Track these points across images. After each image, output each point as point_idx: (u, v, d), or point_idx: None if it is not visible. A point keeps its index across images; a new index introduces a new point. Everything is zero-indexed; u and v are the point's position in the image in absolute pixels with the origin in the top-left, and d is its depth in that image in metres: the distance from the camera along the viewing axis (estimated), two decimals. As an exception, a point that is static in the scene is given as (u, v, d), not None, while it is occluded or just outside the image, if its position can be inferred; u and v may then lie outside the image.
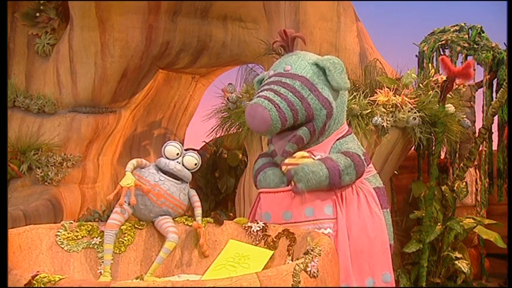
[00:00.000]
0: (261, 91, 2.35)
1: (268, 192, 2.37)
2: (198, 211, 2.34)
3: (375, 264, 2.30)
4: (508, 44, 3.70)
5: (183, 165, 2.32)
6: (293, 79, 2.34)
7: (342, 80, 2.39)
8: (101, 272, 2.13)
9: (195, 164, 2.35)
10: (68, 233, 2.17)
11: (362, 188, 2.39)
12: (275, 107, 2.25)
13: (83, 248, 2.17)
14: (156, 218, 2.28)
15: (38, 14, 4.43)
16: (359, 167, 2.33)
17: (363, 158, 2.38)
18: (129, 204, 2.20)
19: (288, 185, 2.35)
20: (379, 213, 2.39)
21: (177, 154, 2.31)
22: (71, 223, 2.22)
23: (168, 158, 2.31)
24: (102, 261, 2.14)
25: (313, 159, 2.33)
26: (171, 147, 2.32)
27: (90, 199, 4.37)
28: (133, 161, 2.27)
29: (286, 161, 2.35)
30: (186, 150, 2.39)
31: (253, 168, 2.58)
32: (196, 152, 2.40)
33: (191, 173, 2.36)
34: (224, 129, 4.02)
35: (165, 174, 2.28)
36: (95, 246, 2.18)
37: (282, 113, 2.26)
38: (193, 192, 2.37)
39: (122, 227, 2.26)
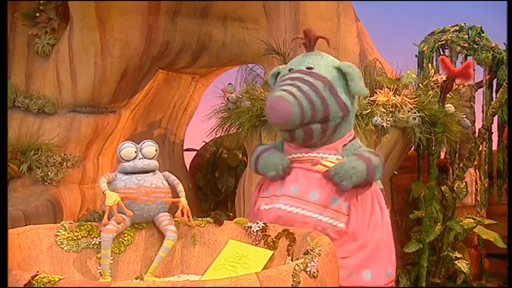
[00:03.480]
0: (283, 85, 2.34)
1: (302, 168, 2.37)
2: (180, 187, 2.31)
3: (380, 259, 2.32)
4: (508, 44, 3.70)
5: (145, 158, 2.29)
6: (316, 79, 2.35)
7: (361, 87, 2.43)
8: (100, 273, 2.12)
9: (156, 151, 2.33)
10: (68, 233, 2.16)
11: (373, 190, 2.43)
12: (298, 103, 2.27)
13: (82, 248, 2.16)
14: (156, 215, 2.27)
15: (37, 14, 4.43)
16: (382, 167, 2.39)
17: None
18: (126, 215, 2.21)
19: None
20: (387, 213, 2.43)
21: (135, 152, 2.30)
22: (71, 223, 2.22)
23: (129, 160, 2.28)
24: (101, 261, 2.13)
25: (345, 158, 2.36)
26: (128, 149, 2.28)
27: (90, 199, 4.37)
28: (104, 179, 2.25)
29: (323, 162, 2.36)
30: (136, 143, 2.35)
31: (253, 156, 2.58)
32: (150, 140, 2.36)
33: (156, 160, 2.33)
34: (224, 129, 4.01)
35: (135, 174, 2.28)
36: (95, 247, 2.17)
37: (303, 110, 2.28)
38: (166, 174, 2.36)
39: (122, 227, 2.25)
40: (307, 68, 2.40)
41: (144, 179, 2.25)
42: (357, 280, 2.26)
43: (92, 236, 2.19)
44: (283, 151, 2.52)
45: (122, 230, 2.22)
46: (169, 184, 2.35)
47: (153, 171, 2.30)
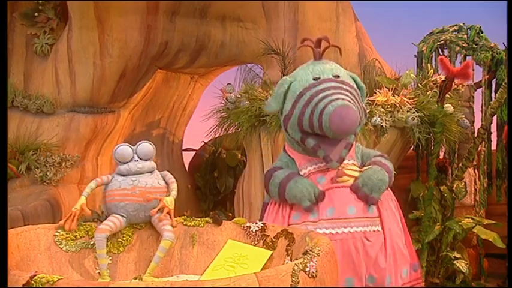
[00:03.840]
0: (335, 93, 2.30)
1: (331, 188, 2.40)
2: (172, 186, 2.31)
3: (409, 255, 2.45)
4: (508, 44, 3.69)
5: (140, 159, 2.29)
6: (350, 87, 2.39)
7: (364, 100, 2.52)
8: (99, 273, 2.13)
9: (152, 152, 2.33)
10: (67, 233, 2.17)
11: (389, 193, 2.53)
12: (358, 111, 2.32)
13: (81, 248, 2.17)
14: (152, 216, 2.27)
15: (36, 14, 4.42)
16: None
17: None
18: (121, 216, 2.21)
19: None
20: (398, 206, 2.54)
21: (131, 154, 2.29)
22: (70, 223, 2.22)
23: (124, 162, 2.28)
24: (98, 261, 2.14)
25: (366, 168, 2.42)
26: (122, 151, 2.29)
27: (89, 199, 4.26)
28: (92, 184, 2.27)
29: (347, 172, 2.42)
30: (132, 145, 2.35)
31: (271, 180, 2.53)
32: (147, 141, 2.36)
33: (152, 160, 2.34)
34: (223, 129, 4.02)
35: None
36: (94, 247, 2.17)
37: (360, 118, 2.36)
38: (164, 173, 2.36)
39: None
40: (334, 76, 2.40)
41: (139, 179, 2.25)
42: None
43: (91, 236, 2.19)
44: (295, 165, 2.51)
45: (117, 230, 2.22)
46: (166, 183, 2.35)
47: (149, 172, 2.30)
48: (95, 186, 2.30)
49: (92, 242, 2.18)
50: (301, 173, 2.49)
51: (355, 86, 2.43)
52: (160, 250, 2.19)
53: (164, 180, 2.34)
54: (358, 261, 2.26)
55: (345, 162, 2.45)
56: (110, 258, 2.18)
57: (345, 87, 2.36)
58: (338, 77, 2.40)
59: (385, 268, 2.31)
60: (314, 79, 2.40)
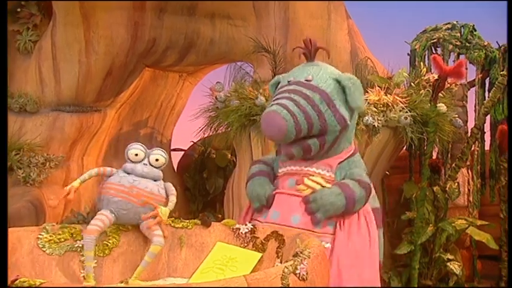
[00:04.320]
0: (279, 98, 2.37)
1: (283, 193, 2.43)
2: (171, 198, 2.31)
3: (364, 279, 2.35)
4: (508, 44, 3.73)
5: (150, 165, 2.30)
6: (313, 91, 2.37)
7: (360, 101, 2.46)
8: (84, 276, 2.11)
9: (163, 162, 2.34)
10: (50, 236, 2.15)
11: (363, 209, 2.45)
12: (293, 118, 2.29)
13: (65, 251, 2.15)
14: (141, 220, 2.26)
15: (19, 10, 4.38)
16: (367, 197, 2.42)
17: (371, 185, 2.46)
18: (111, 211, 2.20)
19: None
20: (374, 233, 2.45)
21: (143, 156, 2.30)
22: (53, 225, 2.20)
23: (133, 161, 2.29)
24: (84, 263, 2.12)
25: (329, 187, 2.37)
26: (135, 150, 2.30)
27: (74, 201, 4.30)
28: (92, 172, 2.29)
29: (305, 182, 2.40)
30: (150, 149, 2.36)
31: (247, 174, 2.64)
32: (162, 150, 2.38)
33: (160, 170, 2.34)
34: (212, 128, 4.02)
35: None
36: (78, 250, 2.16)
37: (298, 125, 2.30)
38: (169, 184, 2.36)
39: (107, 230, 2.24)
40: (306, 80, 2.41)
41: (139, 181, 2.25)
42: None
43: (76, 239, 2.18)
44: (277, 163, 2.55)
45: (106, 228, 2.21)
46: (166, 194, 2.35)
47: (154, 179, 2.30)
48: (95, 174, 2.31)
49: (76, 245, 2.17)
50: (280, 170, 2.53)
51: (329, 89, 2.39)
52: (149, 255, 2.18)
53: (166, 190, 2.34)
54: None
55: (313, 170, 2.43)
56: (95, 261, 2.16)
57: (304, 91, 2.35)
58: (310, 80, 2.41)
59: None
60: (288, 81, 2.47)
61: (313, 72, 2.45)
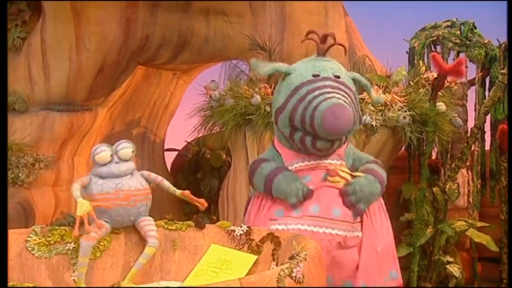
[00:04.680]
0: (331, 92, 2.31)
1: (323, 186, 2.40)
2: (166, 183, 2.30)
3: (391, 261, 2.46)
4: (509, 44, 3.74)
5: (122, 160, 2.25)
6: (349, 89, 2.39)
7: (378, 96, 2.58)
8: (74, 280, 2.10)
9: (132, 152, 2.30)
10: (39, 238, 2.13)
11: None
12: (353, 112, 2.31)
13: (55, 254, 2.13)
14: (137, 219, 2.25)
15: (7, 6, 4.36)
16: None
17: None
18: (105, 221, 2.17)
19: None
20: (387, 214, 2.52)
21: (111, 155, 2.28)
22: (43, 228, 2.19)
23: (103, 164, 2.23)
24: (76, 268, 2.11)
25: (363, 176, 2.41)
26: (103, 154, 2.23)
27: (65, 202, 4.32)
28: (77, 185, 2.19)
29: (340, 173, 2.41)
30: (112, 144, 2.31)
31: (257, 171, 2.53)
32: (126, 141, 2.32)
33: (132, 161, 2.31)
34: (207, 128, 4.02)
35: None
36: (69, 252, 2.14)
37: (354, 120, 2.34)
38: (145, 173, 2.33)
39: (97, 232, 2.23)
40: (334, 76, 2.40)
41: (122, 182, 2.21)
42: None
43: (66, 242, 2.16)
44: (281, 161, 2.52)
45: (102, 237, 2.20)
46: (149, 184, 2.33)
47: (130, 174, 2.28)
48: (81, 185, 2.22)
49: (66, 247, 2.15)
50: (289, 168, 2.51)
51: (354, 89, 2.44)
52: (144, 257, 2.17)
53: (147, 180, 2.32)
54: (334, 263, 2.28)
55: (328, 161, 2.45)
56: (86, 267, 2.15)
57: (343, 88, 2.36)
58: (338, 77, 2.40)
59: (361, 274, 2.32)
60: (313, 75, 2.40)
61: (337, 69, 2.44)
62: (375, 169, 2.44)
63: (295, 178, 2.43)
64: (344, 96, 2.32)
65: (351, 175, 2.42)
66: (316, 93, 2.32)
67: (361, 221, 2.37)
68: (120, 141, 2.31)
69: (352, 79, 2.47)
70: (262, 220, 2.48)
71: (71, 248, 2.15)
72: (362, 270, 2.32)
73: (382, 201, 2.51)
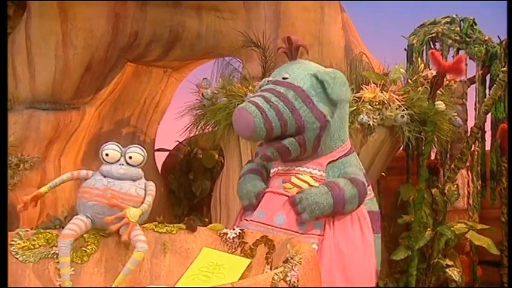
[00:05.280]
0: (252, 96, 2.49)
1: (270, 192, 2.48)
2: (148, 198, 2.30)
3: (353, 283, 2.36)
4: (509, 44, 3.76)
5: (128, 164, 2.29)
6: (288, 88, 2.43)
7: (342, 93, 2.49)
8: (60, 285, 2.10)
9: (141, 160, 2.34)
10: (24, 242, 2.14)
11: (357, 211, 2.47)
12: (261, 114, 2.35)
13: (40, 258, 2.14)
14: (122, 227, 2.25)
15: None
16: (362, 197, 2.44)
17: (366, 185, 2.49)
18: (87, 216, 2.20)
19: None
20: (369, 238, 2.47)
21: (119, 156, 2.30)
22: (27, 231, 2.19)
23: (109, 162, 2.29)
24: (60, 270, 2.11)
25: (317, 186, 2.41)
26: (110, 152, 2.30)
27: (50, 204, 4.30)
28: (64, 176, 2.31)
29: (292, 180, 2.45)
30: (126, 147, 2.36)
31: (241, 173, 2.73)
32: (139, 146, 2.38)
33: (139, 167, 2.34)
34: (199, 127, 4.01)
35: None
36: (54, 256, 2.14)
37: (269, 121, 2.35)
38: (150, 183, 2.36)
39: (85, 235, 2.23)
40: (283, 78, 2.49)
41: (114, 182, 2.24)
42: None
43: (51, 245, 2.17)
44: (271, 164, 2.61)
45: (82, 233, 2.20)
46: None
47: (132, 179, 2.29)
48: (68, 179, 2.31)
49: (52, 251, 2.15)
50: (272, 170, 2.60)
51: (306, 86, 2.44)
52: (132, 262, 2.16)
53: (145, 189, 2.33)
54: None
55: (303, 169, 2.48)
56: (73, 268, 2.15)
57: (277, 88, 2.43)
58: (286, 78, 2.48)
59: None
60: (267, 81, 2.57)
61: (291, 70, 2.52)
62: (339, 183, 2.40)
63: (251, 181, 2.56)
64: (264, 97, 2.40)
65: (309, 184, 2.43)
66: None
67: (323, 235, 2.36)
68: (132, 146, 2.37)
69: (314, 75, 2.48)
70: (238, 222, 2.60)
71: (57, 252, 2.15)
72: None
73: (363, 217, 2.46)
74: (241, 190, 2.60)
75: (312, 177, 2.46)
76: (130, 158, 2.30)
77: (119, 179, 2.26)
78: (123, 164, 2.29)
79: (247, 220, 2.50)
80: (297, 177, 2.45)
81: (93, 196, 2.21)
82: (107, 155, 2.30)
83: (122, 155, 2.31)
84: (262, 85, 2.61)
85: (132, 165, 2.31)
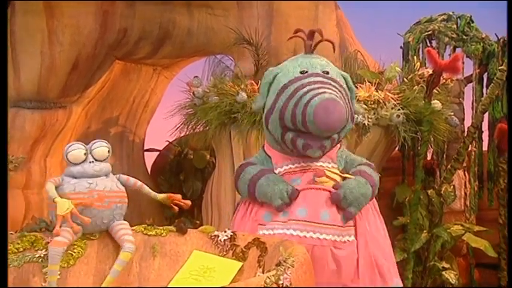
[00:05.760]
0: (321, 87, 2.33)
1: (308, 188, 2.41)
2: (146, 188, 2.32)
3: (393, 267, 2.47)
4: (509, 44, 3.78)
5: (96, 160, 2.27)
6: (340, 85, 2.41)
7: (358, 107, 2.61)
8: (45, 289, 2.09)
9: (108, 152, 2.32)
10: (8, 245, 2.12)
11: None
12: (346, 108, 2.33)
13: (24, 262, 2.12)
14: (111, 223, 2.24)
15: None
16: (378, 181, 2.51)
17: None
18: (78, 224, 2.17)
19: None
20: (383, 224, 2.54)
21: (84, 154, 2.28)
22: (11, 234, 2.17)
23: (77, 164, 2.25)
24: (47, 277, 2.09)
25: (352, 178, 2.42)
26: (76, 152, 2.26)
27: (36, 206, 4.28)
28: (51, 185, 2.19)
29: (327, 174, 2.43)
30: (87, 143, 2.32)
31: (242, 176, 2.57)
32: (102, 140, 2.34)
33: (107, 161, 2.32)
34: (189, 127, 4.02)
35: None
36: (40, 260, 2.13)
37: (347, 118, 2.36)
38: (123, 177, 2.35)
39: (71, 238, 2.22)
40: (323, 72, 2.42)
41: (96, 182, 2.22)
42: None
43: (36, 248, 2.15)
44: (271, 163, 2.55)
45: (73, 241, 2.18)
46: (129, 187, 2.33)
47: (105, 175, 2.28)
48: (54, 186, 2.23)
49: (37, 255, 2.13)
50: (276, 171, 2.52)
51: (345, 85, 2.46)
52: (119, 263, 2.15)
53: (125, 185, 2.32)
54: (323, 270, 2.29)
55: (325, 165, 2.47)
56: (59, 273, 2.13)
57: (333, 83, 2.39)
58: (327, 73, 2.43)
59: (356, 281, 2.34)
60: (301, 72, 2.43)
61: (325, 64, 2.48)
62: (366, 171, 2.46)
63: (279, 180, 2.45)
64: (335, 91, 2.34)
65: (341, 176, 2.44)
66: (305, 89, 2.34)
67: (355, 225, 2.39)
68: (96, 140, 2.32)
69: (343, 77, 2.49)
70: (250, 225, 2.49)
71: (42, 255, 2.14)
72: (363, 278, 2.33)
73: (376, 205, 2.53)
74: (270, 190, 2.42)
75: (332, 168, 2.48)
76: (98, 154, 2.27)
77: (96, 176, 2.23)
78: (93, 161, 2.26)
79: (280, 222, 2.39)
80: (329, 171, 2.43)
81: (83, 202, 2.17)
82: (72, 156, 2.25)
83: (88, 153, 2.28)
84: (294, 76, 2.42)
85: (100, 161, 2.29)
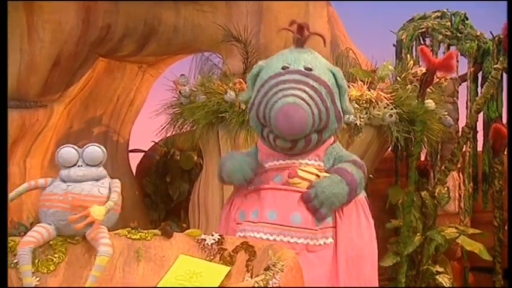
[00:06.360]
0: (288, 89, 2.35)
1: (276, 189, 2.41)
2: (113, 195, 2.27)
3: (365, 277, 2.42)
4: (509, 43, 3.80)
5: (87, 165, 2.28)
6: (320, 84, 2.39)
7: (349, 105, 2.52)
8: (23, 296, 2.07)
9: (100, 158, 2.32)
10: (-16, 250, 2.10)
11: (359, 197, 2.49)
12: (311, 111, 2.31)
13: (3, 267, 2.10)
14: (87, 228, 2.23)
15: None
16: (366, 179, 2.47)
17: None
18: (50, 224, 2.19)
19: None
20: (372, 224, 2.51)
21: (76, 157, 2.29)
22: (-12, 239, 2.15)
23: (67, 166, 2.27)
24: (22, 280, 2.08)
25: (327, 176, 2.39)
26: (65, 155, 2.28)
27: (15, 209, 4.25)
28: (20, 188, 2.30)
29: (299, 173, 2.40)
30: (82, 146, 2.34)
31: (221, 161, 2.63)
32: (96, 144, 2.35)
33: (100, 166, 2.33)
34: (176, 127, 4.01)
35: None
36: (17, 266, 2.11)
37: (314, 119, 2.33)
38: (115, 180, 2.34)
39: (51, 242, 2.21)
40: (305, 69, 2.42)
41: (74, 184, 2.22)
42: None
43: (14, 253, 2.13)
44: (256, 159, 2.56)
45: (45, 242, 2.18)
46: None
47: (95, 180, 2.27)
48: (24, 190, 2.30)
49: (15, 260, 2.12)
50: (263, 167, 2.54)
51: (330, 82, 2.43)
52: (96, 268, 2.13)
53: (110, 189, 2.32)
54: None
55: (304, 161, 2.47)
56: (38, 278, 2.12)
57: (311, 82, 2.38)
58: (310, 69, 2.42)
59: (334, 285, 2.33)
60: (283, 68, 2.44)
61: (311, 60, 2.46)
62: (346, 168, 2.40)
63: (246, 159, 2.49)
64: (306, 92, 2.34)
65: (318, 175, 2.41)
66: (276, 89, 2.37)
67: (335, 226, 2.37)
68: (89, 144, 2.33)
69: (332, 72, 2.47)
70: (231, 225, 2.52)
71: (20, 260, 2.12)
72: (342, 282, 2.32)
73: (364, 206, 2.51)
74: (232, 166, 2.47)
75: (309, 167, 2.44)
76: (88, 158, 2.28)
77: (79, 181, 2.24)
78: (81, 166, 2.27)
79: (252, 222, 2.40)
80: (303, 170, 2.40)
81: (54, 203, 2.19)
82: (62, 159, 2.27)
83: (79, 157, 2.29)
84: (274, 72, 2.43)
85: (92, 165, 2.29)
